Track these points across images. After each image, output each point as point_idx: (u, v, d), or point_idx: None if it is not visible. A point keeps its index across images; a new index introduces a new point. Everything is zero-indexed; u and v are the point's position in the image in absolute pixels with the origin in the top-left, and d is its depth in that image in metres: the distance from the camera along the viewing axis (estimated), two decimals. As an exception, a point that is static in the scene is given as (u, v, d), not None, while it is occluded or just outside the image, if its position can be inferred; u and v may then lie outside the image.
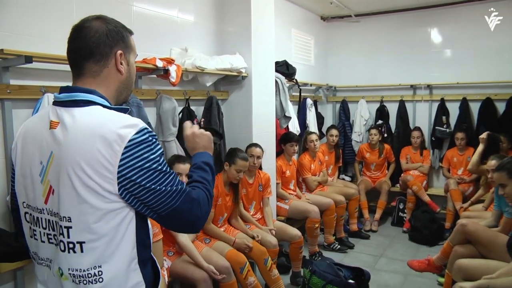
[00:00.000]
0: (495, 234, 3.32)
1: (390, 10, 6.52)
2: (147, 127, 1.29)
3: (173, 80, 3.35)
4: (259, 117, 4.30)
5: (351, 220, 5.54)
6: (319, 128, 6.11)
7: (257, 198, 4.12)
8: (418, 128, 6.17)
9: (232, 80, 4.25)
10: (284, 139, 4.87)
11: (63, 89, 1.34)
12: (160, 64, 3.26)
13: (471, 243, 3.40)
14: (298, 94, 5.52)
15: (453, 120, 6.10)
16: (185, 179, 3.13)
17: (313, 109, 5.91)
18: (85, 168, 1.22)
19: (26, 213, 1.39)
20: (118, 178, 1.23)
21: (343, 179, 6.42)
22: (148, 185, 1.25)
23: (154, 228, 2.89)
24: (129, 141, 1.23)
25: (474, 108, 5.96)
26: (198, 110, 4.02)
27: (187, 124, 1.65)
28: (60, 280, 1.33)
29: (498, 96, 5.77)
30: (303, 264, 4.23)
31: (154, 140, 1.29)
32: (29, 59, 2.38)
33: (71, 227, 1.27)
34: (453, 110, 6.10)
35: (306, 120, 5.73)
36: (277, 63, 4.87)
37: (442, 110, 6.16)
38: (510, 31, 5.68)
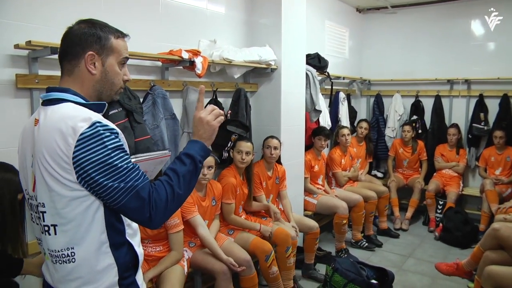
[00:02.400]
0: (529, 241, 3.17)
1: (428, 1, 6.29)
2: (102, 121, 1.36)
3: (199, 72, 3.33)
4: (288, 110, 4.25)
5: (381, 218, 5.43)
6: (352, 123, 6.02)
7: (274, 191, 4.10)
8: (455, 125, 5.95)
9: (261, 73, 4.21)
10: (314, 132, 4.81)
11: (47, 90, 1.46)
12: (185, 55, 3.25)
13: (503, 248, 3.25)
14: (330, 87, 5.41)
15: (492, 117, 5.86)
16: (206, 171, 3.15)
17: (345, 103, 5.81)
18: (48, 159, 1.34)
19: (27, 199, 1.53)
20: (75, 168, 1.32)
21: (375, 175, 6.30)
22: (97, 177, 1.32)
23: (175, 218, 2.94)
24: (81, 134, 1.31)
25: (516, 105, 5.72)
26: (226, 102, 4.00)
27: (209, 106, 1.61)
28: (46, 259, 1.49)
29: (542, 92, 5.51)
30: (326, 260, 4.18)
31: (107, 133, 1.35)
32: (54, 50, 2.42)
33: (45, 212, 1.41)
34: (492, 106, 5.86)
35: (338, 114, 5.64)
36: (308, 55, 4.79)
37: (480, 106, 5.91)
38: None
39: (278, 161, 4.12)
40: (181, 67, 3.40)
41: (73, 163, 1.31)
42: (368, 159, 6.00)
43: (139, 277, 1.57)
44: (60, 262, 1.41)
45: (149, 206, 1.35)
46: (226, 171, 3.69)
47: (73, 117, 1.33)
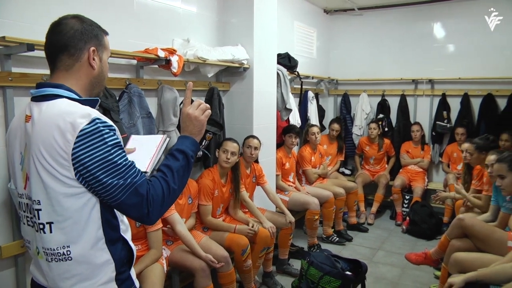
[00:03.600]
0: (491, 229, 3.33)
1: (393, 4, 6.49)
2: (101, 117, 1.37)
3: (175, 71, 3.36)
4: (260, 109, 4.31)
5: (350, 213, 5.56)
6: (320, 121, 6.14)
7: (251, 190, 4.14)
8: (417, 123, 6.20)
9: (233, 72, 4.26)
10: (284, 130, 4.89)
11: (37, 85, 1.46)
12: (162, 54, 3.26)
13: (468, 237, 3.41)
14: (299, 86, 5.53)
15: (454, 115, 6.11)
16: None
17: (314, 102, 5.92)
18: (45, 155, 1.34)
19: (16, 198, 1.53)
20: (74, 164, 1.33)
21: (343, 172, 6.45)
22: (97, 174, 1.33)
23: None
24: (81, 131, 1.31)
25: (475, 103, 5.97)
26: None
27: (196, 101, 1.62)
28: (37, 259, 1.47)
29: (500, 92, 5.76)
30: (299, 255, 4.27)
31: (107, 130, 1.36)
32: (31, 47, 2.39)
33: (40, 210, 1.39)
34: (454, 105, 6.12)
35: (307, 113, 5.74)
36: (279, 55, 4.88)
37: (443, 105, 6.17)
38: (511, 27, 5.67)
39: (256, 160, 4.16)
40: (156, 65, 3.42)
41: (72, 160, 1.32)
42: (340, 157, 6.14)
43: (133, 272, 1.60)
44: (56, 260, 1.41)
45: (147, 202, 1.38)
46: (205, 172, 3.71)
47: (72, 113, 1.34)
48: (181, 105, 3.67)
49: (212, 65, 3.89)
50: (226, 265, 3.23)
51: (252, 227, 3.63)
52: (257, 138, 4.01)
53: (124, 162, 1.37)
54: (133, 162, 1.41)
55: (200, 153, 3.80)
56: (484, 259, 3.00)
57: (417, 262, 3.84)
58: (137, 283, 1.62)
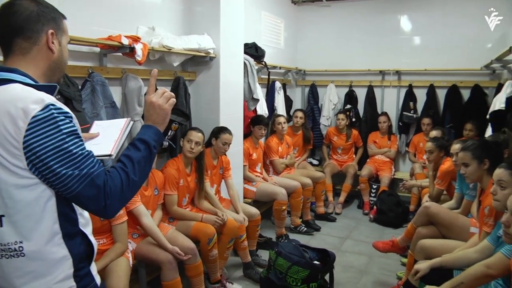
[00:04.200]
0: (455, 216, 3.40)
1: (361, -4, 6.52)
2: (55, 103, 1.29)
3: (139, 59, 3.27)
4: (226, 98, 4.27)
5: (318, 203, 5.58)
6: (287, 111, 6.13)
7: (217, 181, 4.10)
8: (384, 113, 6.27)
9: (200, 61, 4.20)
10: (254, 121, 4.85)
11: None
12: (125, 41, 3.16)
13: (433, 224, 3.46)
14: (266, 77, 5.50)
15: (420, 106, 6.22)
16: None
17: (281, 92, 5.90)
18: None
19: None
20: (25, 154, 1.25)
21: (311, 162, 6.48)
22: (50, 164, 1.25)
23: None
24: (33, 117, 1.24)
25: (441, 94, 6.11)
26: (165, 90, 3.95)
27: (160, 89, 1.55)
28: None
29: (464, 83, 5.91)
30: (267, 246, 4.26)
31: (62, 117, 1.29)
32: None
33: None
34: (421, 96, 6.22)
35: (274, 103, 5.73)
36: (246, 45, 4.82)
37: (410, 96, 6.26)
38: (475, 21, 5.79)
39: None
40: (120, 53, 3.32)
41: (24, 148, 1.24)
42: (307, 146, 6.15)
43: (93, 268, 1.53)
44: (7, 256, 1.31)
45: (104, 194, 1.30)
46: (170, 162, 3.65)
47: (24, 98, 1.26)
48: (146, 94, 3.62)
49: (177, 54, 3.82)
50: (193, 257, 3.19)
51: (222, 216, 3.61)
52: (231, 133, 3.97)
53: (81, 152, 1.29)
54: (90, 152, 1.33)
55: (166, 143, 3.73)
56: (449, 245, 3.06)
57: (384, 250, 3.88)
58: (97, 279, 1.55)
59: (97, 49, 3.26)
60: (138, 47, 3.24)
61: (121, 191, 1.35)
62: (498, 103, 4.23)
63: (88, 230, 1.48)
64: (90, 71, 3.13)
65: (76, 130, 1.32)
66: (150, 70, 3.60)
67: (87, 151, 1.32)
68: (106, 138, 1.63)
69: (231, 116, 4.35)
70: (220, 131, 3.92)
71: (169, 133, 3.71)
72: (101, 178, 1.31)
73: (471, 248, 2.66)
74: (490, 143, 3.10)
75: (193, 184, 3.74)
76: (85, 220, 1.47)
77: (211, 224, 3.53)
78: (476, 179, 2.96)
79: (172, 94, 1.57)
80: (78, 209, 1.43)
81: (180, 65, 4.05)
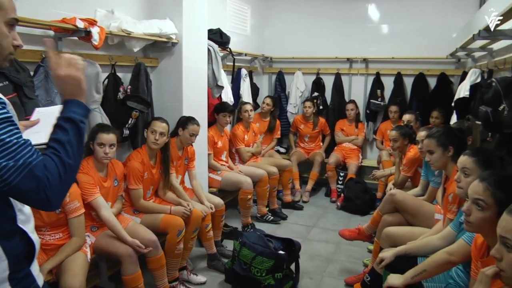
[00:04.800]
0: (420, 203, 3.40)
1: (329, -16, 6.46)
2: None
3: (96, 43, 3.11)
4: (190, 86, 4.15)
5: (285, 192, 5.53)
6: (254, 99, 6.05)
7: (182, 171, 3.99)
8: (352, 101, 6.26)
9: (162, 47, 4.06)
10: (218, 109, 4.75)
11: None
12: (80, 24, 3.00)
13: (399, 211, 3.45)
14: (232, 63, 5.38)
15: (387, 93, 6.25)
16: (108, 150, 2.97)
17: (247, 79, 5.80)
18: None
19: None
20: None
21: (278, 150, 6.43)
22: None
23: (75, 202, 2.73)
24: None
25: (408, 82, 6.16)
26: (126, 77, 3.81)
27: (63, 59, 1.36)
28: None
29: (430, 71, 5.98)
30: (233, 236, 4.19)
31: None
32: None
33: None
34: (388, 84, 6.24)
35: (240, 91, 5.62)
36: (210, 31, 4.69)
37: (377, 83, 6.28)
38: (442, 10, 5.86)
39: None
40: (76, 37, 3.15)
41: None
42: (275, 135, 6.09)
43: (35, 268, 1.41)
44: None
45: (44, 186, 1.17)
46: (134, 154, 3.50)
47: None
48: (106, 81, 3.49)
49: (137, 39, 3.68)
50: (155, 250, 3.08)
51: (189, 207, 3.52)
52: (198, 124, 3.86)
53: (15, 140, 1.16)
54: (27, 141, 1.20)
55: (127, 132, 3.61)
56: (414, 232, 3.05)
57: (351, 238, 3.85)
58: (40, 280, 1.43)
59: (52, 33, 3.08)
60: (95, 31, 3.08)
61: (60, 178, 1.21)
62: (463, 90, 4.26)
63: (28, 227, 1.36)
64: (44, 56, 2.94)
65: (9, 117, 1.18)
66: (110, 55, 3.54)
67: (24, 139, 1.19)
68: (45, 125, 1.48)
69: (195, 104, 4.24)
70: (187, 121, 3.81)
71: (129, 122, 3.58)
72: (40, 169, 1.18)
73: (435, 235, 2.66)
74: (455, 130, 3.10)
75: (158, 176, 3.62)
76: (25, 217, 1.35)
77: (180, 216, 3.42)
78: (441, 166, 2.94)
79: (79, 57, 1.41)
80: (17, 205, 1.31)
81: (141, 51, 3.91)
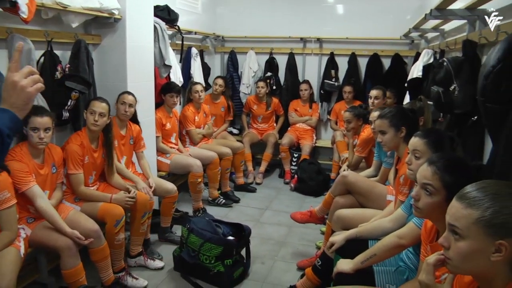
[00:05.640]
0: (373, 184, 3.35)
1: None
2: None
3: (24, 16, 2.80)
4: (135, 65, 3.94)
5: (237, 174, 5.44)
6: (206, 79, 5.86)
7: (128, 153, 3.81)
8: (306, 81, 6.19)
9: (104, 23, 3.81)
10: (164, 89, 4.55)
11: None
12: (5, -7, 2.74)
13: (351, 193, 3.39)
14: (180, 42, 5.16)
15: (341, 74, 6.20)
16: (43, 134, 2.76)
17: (198, 59, 5.60)
18: None
19: None
20: None
21: (231, 132, 6.30)
22: None
23: (4, 192, 2.46)
24: None
25: (362, 63, 6.14)
26: (64, 55, 3.56)
27: (26, 68, 1.26)
28: None
29: (385, 52, 5.97)
30: (183, 221, 4.05)
31: None
32: None
33: None
34: (342, 64, 6.20)
35: (191, 70, 5.43)
36: (157, 7, 4.46)
37: (331, 64, 6.22)
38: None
39: (134, 120, 3.82)
40: (1, 9, 2.88)
41: None
42: (228, 117, 5.95)
43: None
44: None
45: None
46: (73, 136, 3.26)
47: None
48: (42, 58, 3.25)
49: (76, 13, 3.41)
50: (97, 240, 2.89)
51: (132, 193, 3.33)
52: (132, 95, 3.67)
53: None
54: None
55: (67, 114, 3.38)
56: (366, 214, 3.00)
57: (303, 220, 3.77)
58: None
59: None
60: (22, 2, 2.76)
61: None
62: (415, 71, 4.26)
63: None
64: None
65: None
66: (45, 31, 3.28)
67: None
68: None
69: (141, 84, 4.03)
70: (119, 94, 3.66)
71: (68, 103, 3.34)
72: None
73: (386, 218, 2.62)
74: (407, 110, 3.05)
75: (101, 160, 3.40)
76: None
77: (122, 205, 3.23)
78: (393, 147, 2.89)
79: (41, 78, 1.28)
80: None
81: (82, 27, 3.68)
